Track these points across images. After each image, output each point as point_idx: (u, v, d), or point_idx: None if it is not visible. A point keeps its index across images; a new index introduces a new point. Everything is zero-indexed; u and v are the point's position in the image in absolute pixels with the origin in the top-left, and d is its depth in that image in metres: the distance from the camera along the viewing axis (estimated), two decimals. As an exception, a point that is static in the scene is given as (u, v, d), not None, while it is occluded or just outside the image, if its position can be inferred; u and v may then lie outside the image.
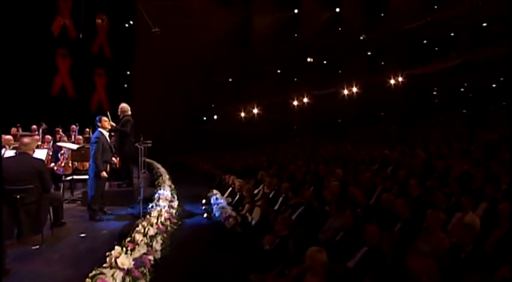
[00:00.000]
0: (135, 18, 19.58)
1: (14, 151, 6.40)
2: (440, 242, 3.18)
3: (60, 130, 11.93)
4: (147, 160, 13.95)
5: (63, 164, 8.11)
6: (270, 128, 21.52)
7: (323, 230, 4.52)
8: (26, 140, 4.35)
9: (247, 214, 6.28)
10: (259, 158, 12.54)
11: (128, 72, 19.93)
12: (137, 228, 4.01)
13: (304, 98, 21.51)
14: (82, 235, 4.63)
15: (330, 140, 16.57)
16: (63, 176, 7.69)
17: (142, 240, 3.66)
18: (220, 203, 5.76)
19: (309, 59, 22.60)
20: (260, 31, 22.48)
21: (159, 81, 19.98)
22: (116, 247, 3.22)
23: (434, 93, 20.04)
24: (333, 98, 20.97)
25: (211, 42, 21.03)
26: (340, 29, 21.92)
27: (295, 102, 21.84)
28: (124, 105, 7.09)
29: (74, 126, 11.77)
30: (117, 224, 5.26)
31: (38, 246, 4.18)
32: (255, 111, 22.35)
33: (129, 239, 3.66)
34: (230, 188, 8.35)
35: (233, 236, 4.84)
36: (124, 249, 3.24)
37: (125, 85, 19.79)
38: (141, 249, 3.50)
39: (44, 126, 12.02)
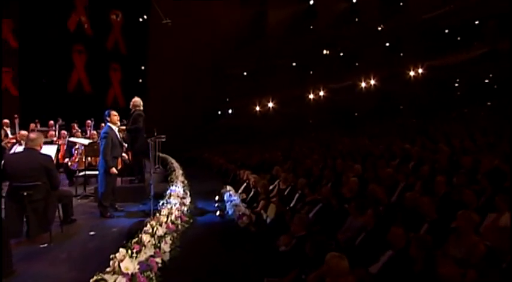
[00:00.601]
0: (149, 13, 19.50)
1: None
2: (474, 247, 2.87)
3: (76, 125, 12.00)
4: (162, 155, 13.92)
5: (77, 160, 8.07)
6: (285, 122, 21.20)
7: (342, 230, 4.26)
8: (32, 135, 4.23)
9: (262, 211, 6.06)
10: (274, 153, 12.30)
11: (143, 67, 19.91)
12: (145, 228, 3.84)
13: (320, 91, 21.07)
14: (91, 233, 4.51)
15: (347, 134, 16.17)
16: (77, 172, 7.66)
17: (149, 241, 3.48)
18: (234, 200, 5.55)
19: (324, 52, 22.10)
20: (274, 24, 22.07)
21: (173, 75, 19.90)
22: (121, 250, 3.04)
23: (456, 85, 19.27)
24: (350, 91, 20.44)
25: (226, 36, 20.80)
26: (356, 19, 21.29)
27: (311, 96, 21.43)
28: (136, 99, 6.94)
29: (89, 121, 11.81)
30: (127, 221, 5.13)
31: (46, 245, 4.08)
32: (270, 105, 22.05)
33: (135, 239, 3.48)
34: (245, 184, 8.14)
35: (247, 235, 4.62)
36: (129, 251, 3.06)
37: (140, 80, 19.78)
38: (148, 251, 3.32)
39: (60, 121, 12.10)
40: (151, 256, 3.27)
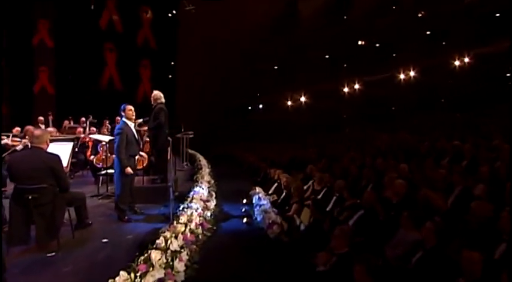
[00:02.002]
0: (177, 8, 19.32)
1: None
2: None
3: (107, 122, 11.95)
4: (190, 151, 13.64)
5: (102, 157, 7.85)
6: (317, 117, 20.37)
7: (391, 244, 3.59)
8: (37, 131, 3.87)
9: (295, 216, 5.48)
10: (307, 150, 11.63)
11: (172, 63, 19.77)
12: (157, 241, 3.35)
13: (354, 84, 20.02)
14: (104, 240, 4.12)
15: (383, 130, 15.17)
16: (102, 169, 7.42)
17: (160, 259, 2.99)
18: (263, 204, 4.98)
19: (360, 42, 20.96)
20: (306, 15, 21.19)
21: (203, 70, 19.61)
22: (121, 273, 2.58)
23: (508, 74, 17.56)
24: (387, 84, 19.24)
25: (256, 29, 20.20)
26: (394, 7, 19.95)
27: (345, 89, 20.42)
28: (156, 93, 6.54)
29: (118, 118, 11.69)
30: (145, 226, 4.71)
31: (53, 254, 3.72)
32: (302, 99, 21.27)
33: (143, 257, 3.00)
34: (276, 184, 7.58)
35: (278, 247, 4.03)
36: (132, 275, 2.58)
37: (169, 76, 19.68)
38: (157, 273, 2.82)
39: (90, 118, 12.11)
40: (159, 280, 2.75)
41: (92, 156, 8.51)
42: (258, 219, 4.57)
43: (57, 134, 10.47)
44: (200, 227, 4.03)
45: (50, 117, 11.99)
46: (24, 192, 3.61)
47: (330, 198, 6.00)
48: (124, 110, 5.23)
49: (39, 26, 17.39)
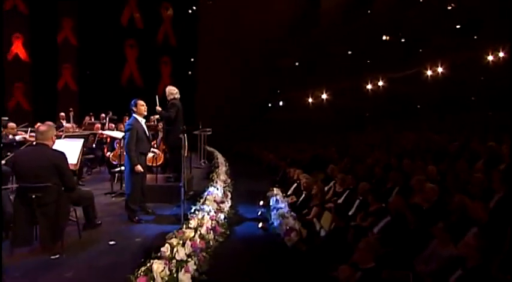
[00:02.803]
0: (197, 4, 19.18)
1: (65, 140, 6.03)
2: None
3: (127, 118, 11.92)
4: (209, 149, 13.46)
5: (118, 153, 7.73)
6: (339, 115, 19.79)
7: (423, 258, 3.20)
8: (42, 127, 3.68)
9: (315, 220, 5.13)
10: (328, 149, 11.19)
11: (192, 59, 19.66)
12: (162, 250, 3.07)
13: (378, 81, 19.29)
14: (111, 243, 3.91)
15: (408, 129, 14.51)
16: (119, 166, 7.29)
17: (162, 271, 2.73)
18: (281, 208, 4.65)
19: (384, 37, 20.18)
20: (328, 10, 20.59)
21: (222, 67, 19.42)
22: None
23: (546, 70, 16.43)
24: (413, 81, 18.41)
25: (276, 25, 19.80)
26: (421, 0, 19.07)
27: (369, 86, 19.71)
28: (170, 88, 6.31)
29: (126, 118, 11.68)
30: (155, 228, 4.48)
31: (57, 256, 3.54)
32: (324, 96, 20.73)
33: (144, 268, 2.74)
34: (295, 184, 7.23)
35: (295, 256, 3.69)
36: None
37: (189, 72, 19.59)
38: (158, 288, 2.57)
39: (110, 114, 12.13)
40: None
41: (109, 153, 8.42)
42: (275, 224, 4.24)
43: (76, 130, 10.51)
44: (212, 231, 3.74)
45: (71, 113, 12.05)
46: (28, 191, 3.45)
47: (352, 202, 5.63)
48: (135, 105, 4.98)
49: (64, 24, 17.71)
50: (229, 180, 7.09)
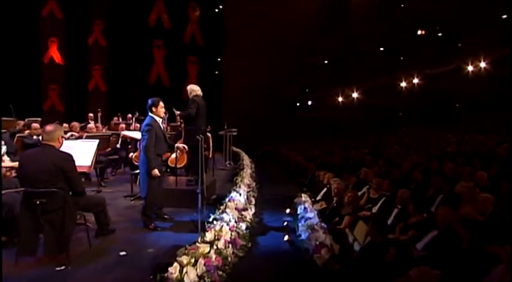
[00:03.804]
0: (224, 3, 18.95)
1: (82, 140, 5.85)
2: None
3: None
4: (235, 149, 13.12)
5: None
6: (371, 114, 18.92)
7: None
8: (48, 127, 3.41)
9: (347, 230, 4.60)
10: (360, 150, 10.54)
11: (219, 59, 19.45)
12: (169, 270, 2.66)
13: (413, 78, 18.25)
14: (122, 253, 3.59)
15: (447, 129, 13.54)
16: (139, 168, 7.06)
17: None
18: (309, 218, 4.15)
19: (419, 32, 19.08)
20: (359, 4, 19.78)
21: (250, 66, 19.08)
22: None
23: None
24: (452, 78, 17.26)
25: (305, 22, 19.21)
26: (460, -9, 17.84)
27: (403, 84, 18.71)
28: (191, 86, 5.98)
29: (163, 115, 11.56)
30: (171, 237, 4.13)
31: (63, 267, 3.25)
32: (355, 95, 19.94)
33: None
34: (325, 189, 6.70)
35: (326, 277, 3.18)
36: None
37: (216, 72, 19.39)
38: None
39: (137, 115, 12.08)
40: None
41: (132, 154, 8.24)
42: (303, 236, 3.73)
43: (101, 131, 10.48)
44: (230, 245, 3.32)
45: (99, 114, 12.12)
46: (32, 197, 3.18)
47: (389, 210, 5.05)
48: (156, 106, 4.65)
49: (94, 27, 18.06)
50: (254, 184, 6.66)
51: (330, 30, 19.88)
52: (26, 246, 3.25)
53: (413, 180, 6.27)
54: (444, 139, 11.08)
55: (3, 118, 8.99)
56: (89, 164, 4.41)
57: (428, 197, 5.47)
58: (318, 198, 6.79)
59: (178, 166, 8.05)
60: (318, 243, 3.34)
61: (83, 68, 17.87)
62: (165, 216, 4.91)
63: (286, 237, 3.88)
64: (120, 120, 12.85)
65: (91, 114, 12.09)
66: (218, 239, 3.23)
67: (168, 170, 7.81)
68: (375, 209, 5.43)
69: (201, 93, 5.94)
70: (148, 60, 18.18)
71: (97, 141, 4.59)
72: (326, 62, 21.84)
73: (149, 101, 4.66)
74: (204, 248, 2.96)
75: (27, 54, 15.84)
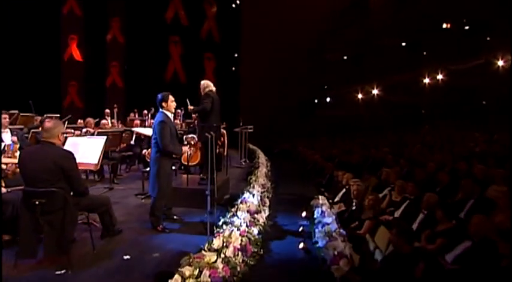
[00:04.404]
0: (241, -1, 18.71)
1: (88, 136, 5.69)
2: None
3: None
4: (251, 147, 12.86)
5: (153, 152, 7.36)
6: (392, 112, 18.28)
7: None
8: (48, 124, 3.22)
9: (368, 236, 4.27)
10: (380, 149, 10.10)
11: (236, 55, 19.22)
12: None
13: (437, 74, 17.50)
14: (125, 257, 3.39)
15: (473, 128, 12.87)
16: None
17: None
18: (327, 223, 3.81)
19: (444, 25, 18.27)
20: (380, -2, 19.15)
21: (267, 62, 18.77)
22: None
23: None
24: (478, 73, 16.43)
25: (323, 17, 18.74)
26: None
27: (426, 80, 17.98)
28: (204, 81, 5.75)
29: (179, 111, 11.47)
30: (179, 240, 3.89)
31: (63, 271, 3.07)
32: (375, 92, 19.35)
33: None
34: (344, 190, 6.37)
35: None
36: None
37: (233, 68, 19.17)
38: None
39: (152, 111, 12.04)
40: None
41: (145, 150, 8.11)
42: (320, 243, 3.41)
43: (115, 127, 10.42)
44: (240, 253, 3.04)
45: (115, 110, 12.11)
46: (31, 196, 3.01)
47: (413, 214, 4.69)
48: (166, 101, 4.40)
49: (112, 24, 18.17)
50: (269, 184, 6.38)
51: (349, 25, 19.33)
52: (25, 247, 3.10)
53: (439, 182, 5.86)
54: (471, 138, 10.51)
55: (22, 114, 9.09)
56: (96, 161, 4.24)
57: (456, 201, 5.07)
58: (336, 199, 6.47)
59: (191, 164, 7.88)
60: (336, 253, 3.04)
61: (101, 65, 18.05)
62: (175, 217, 4.71)
63: (301, 245, 3.57)
64: (136, 116, 12.83)
65: (107, 110, 12.12)
66: (227, 246, 2.96)
67: (182, 167, 7.64)
68: (397, 213, 5.07)
69: (214, 89, 5.73)
70: (165, 56, 18.16)
71: (104, 138, 4.41)
72: (345, 57, 21.29)
73: (159, 96, 4.43)
74: (210, 257, 2.70)
75: (48, 52, 16.07)
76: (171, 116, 4.46)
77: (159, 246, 3.70)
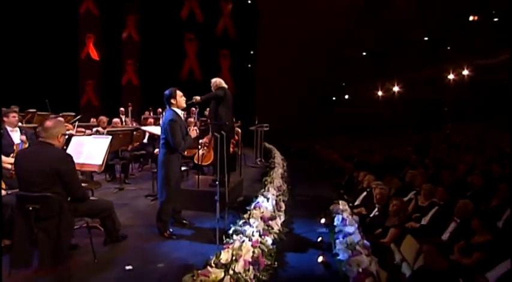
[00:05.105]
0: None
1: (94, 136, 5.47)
2: None
3: (184, 113, 11.58)
4: (267, 146, 12.52)
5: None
6: (414, 109, 17.60)
7: None
8: (48, 123, 2.96)
9: (393, 246, 3.88)
10: (402, 149, 9.60)
11: (252, 52, 18.88)
12: None
13: (462, 70, 16.69)
14: (127, 268, 3.11)
15: (503, 127, 12.13)
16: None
17: None
18: (349, 232, 3.41)
19: (471, 18, 17.40)
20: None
21: (283, 58, 18.37)
22: None
23: None
24: (508, 68, 15.52)
25: (342, 11, 18.15)
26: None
27: (450, 76, 17.19)
28: (215, 79, 5.45)
29: (193, 109, 11.28)
30: (186, 249, 3.59)
31: (58, 283, 2.84)
32: (395, 89, 18.69)
33: None
34: (365, 193, 5.96)
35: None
36: None
37: (249, 65, 18.85)
38: None
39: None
40: None
41: (157, 149, 7.89)
42: (341, 256, 3.01)
43: (133, 125, 10.28)
44: (251, 267, 2.71)
45: (130, 108, 11.99)
46: (25, 201, 2.78)
47: (443, 222, 4.26)
48: (174, 97, 4.06)
49: (128, 22, 18.15)
50: (284, 186, 6.02)
51: (369, 20, 18.67)
52: (19, 256, 2.87)
53: (470, 186, 5.39)
54: (502, 138, 9.86)
55: (38, 113, 9.05)
56: (100, 162, 3.99)
57: (491, 207, 4.61)
58: (356, 203, 6.07)
59: (204, 163, 7.60)
60: (360, 270, 2.67)
61: (116, 63, 18.06)
62: (184, 221, 4.42)
63: (320, 258, 3.19)
64: (151, 114, 12.70)
65: (122, 109, 12.03)
66: (236, 260, 2.64)
67: (192, 166, 7.37)
68: (424, 220, 4.64)
69: (227, 86, 5.43)
70: (180, 54, 18.02)
71: (109, 137, 4.15)
72: (364, 53, 20.64)
73: (166, 93, 4.10)
74: (217, 275, 2.39)
75: (66, 51, 16.16)
76: (181, 113, 4.15)
77: (165, 255, 3.41)
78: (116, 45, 17.91)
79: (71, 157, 2.94)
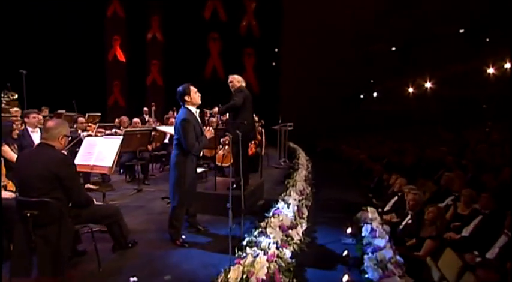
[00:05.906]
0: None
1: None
2: None
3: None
4: (292, 145, 12.13)
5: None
6: (448, 107, 16.60)
7: None
8: (50, 123, 2.76)
9: (429, 260, 3.43)
10: (436, 149, 8.92)
11: (276, 50, 18.51)
12: None
13: (504, 63, 15.54)
14: (132, 280, 2.85)
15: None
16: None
17: None
18: (379, 246, 2.97)
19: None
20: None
21: (308, 55, 17.86)
22: None
23: None
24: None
25: (369, 4, 17.43)
26: None
27: (490, 71, 16.06)
28: (233, 77, 5.15)
29: (216, 109, 11.11)
30: (197, 260, 3.29)
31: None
32: (427, 85, 17.71)
33: None
34: (396, 197, 5.48)
35: None
36: None
37: (273, 63, 18.50)
38: None
39: (190, 109, 11.74)
40: None
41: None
42: (370, 275, 2.61)
43: (157, 125, 10.21)
44: (266, 286, 2.39)
45: (153, 108, 11.98)
46: (23, 207, 2.58)
47: (489, 235, 3.75)
48: (188, 93, 3.77)
49: (152, 23, 18.32)
50: (308, 189, 5.63)
51: (397, 12, 17.81)
52: (18, 264, 2.68)
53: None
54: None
55: (66, 113, 9.16)
56: (110, 164, 3.80)
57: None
58: (386, 208, 5.59)
59: (224, 164, 7.32)
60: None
61: (142, 64, 18.28)
62: (199, 227, 4.15)
63: (345, 278, 2.77)
64: (175, 114, 12.63)
65: (146, 109, 12.05)
66: (247, 279, 2.31)
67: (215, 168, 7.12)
68: (466, 231, 4.13)
69: (245, 84, 5.15)
70: (204, 53, 17.96)
71: (121, 137, 3.95)
72: (394, 48, 19.73)
73: (180, 90, 3.81)
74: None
75: (93, 53, 16.48)
76: (195, 111, 3.86)
77: (174, 266, 3.14)
78: (141, 46, 18.12)
79: (70, 160, 2.73)
